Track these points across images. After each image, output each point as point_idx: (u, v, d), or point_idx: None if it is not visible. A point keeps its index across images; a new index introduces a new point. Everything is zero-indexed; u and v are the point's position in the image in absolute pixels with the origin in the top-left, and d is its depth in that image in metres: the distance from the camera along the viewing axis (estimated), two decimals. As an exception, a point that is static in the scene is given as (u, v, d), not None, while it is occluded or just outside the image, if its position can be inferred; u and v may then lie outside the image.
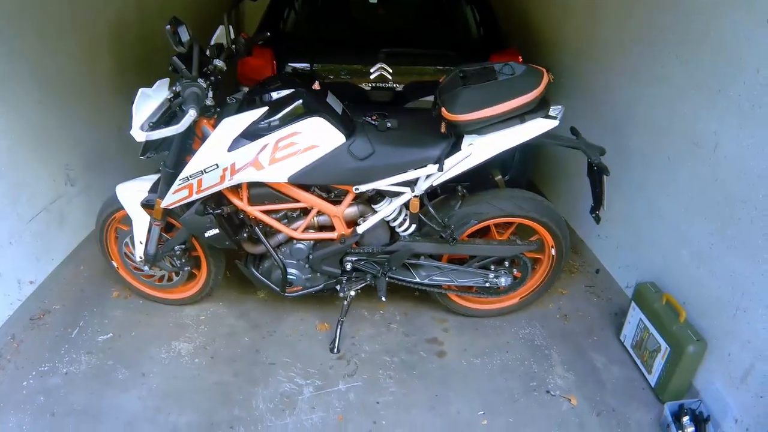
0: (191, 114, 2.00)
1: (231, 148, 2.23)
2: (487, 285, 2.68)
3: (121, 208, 2.68)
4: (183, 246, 2.72)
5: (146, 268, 2.79)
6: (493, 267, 2.68)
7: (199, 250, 2.79)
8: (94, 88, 3.47)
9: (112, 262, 2.94)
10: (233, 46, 2.44)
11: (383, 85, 3.43)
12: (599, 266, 3.31)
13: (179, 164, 2.37)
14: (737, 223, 2.24)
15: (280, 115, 2.23)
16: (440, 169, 2.25)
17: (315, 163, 2.28)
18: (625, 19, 2.98)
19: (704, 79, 2.38)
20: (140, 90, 2.26)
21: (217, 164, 2.24)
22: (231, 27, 2.46)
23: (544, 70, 2.20)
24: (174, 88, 2.19)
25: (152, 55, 4.30)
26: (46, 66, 2.98)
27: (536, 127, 2.23)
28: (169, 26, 2.06)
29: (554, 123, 2.26)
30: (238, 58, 2.51)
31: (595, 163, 2.35)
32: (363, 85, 3.44)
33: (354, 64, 3.49)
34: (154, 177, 2.67)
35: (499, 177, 2.65)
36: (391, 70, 3.39)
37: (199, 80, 2.15)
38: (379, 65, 3.40)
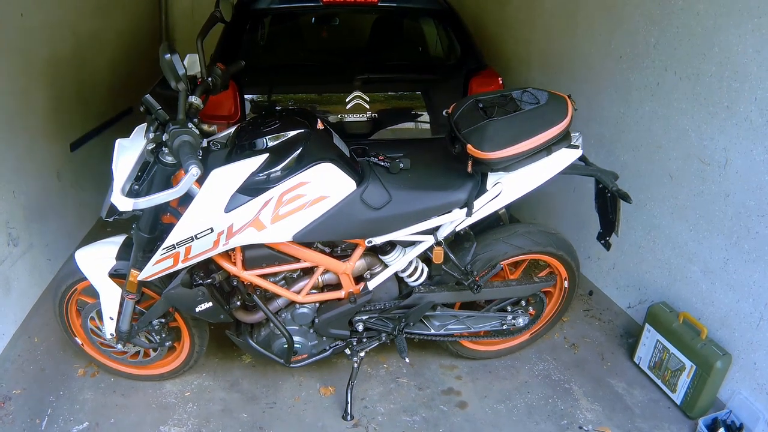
0: (193, 173, 1.61)
1: (228, 208, 1.90)
2: (504, 327, 2.52)
3: (84, 278, 2.28)
4: (162, 320, 2.38)
5: (119, 346, 2.41)
6: (509, 308, 2.52)
7: (179, 321, 2.44)
8: (28, 130, 3.02)
9: (76, 338, 2.54)
10: (209, 78, 2.11)
11: (359, 116, 3.20)
12: (592, 288, 3.25)
13: (155, 227, 2.02)
14: (755, 236, 2.23)
15: (284, 163, 1.92)
16: (469, 214, 2.06)
17: (324, 217, 1.99)
18: (610, 35, 2.93)
19: (708, 95, 2.36)
20: (117, 142, 1.86)
21: (211, 228, 1.91)
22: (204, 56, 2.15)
23: (567, 97, 2.07)
24: (149, 135, 1.84)
25: (89, 90, 3.88)
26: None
27: (563, 159, 2.10)
28: (168, 55, 1.69)
29: (578, 152, 2.13)
30: (215, 92, 2.17)
31: (614, 191, 2.23)
32: (338, 116, 3.19)
33: (323, 93, 3.23)
34: (118, 239, 2.30)
35: (503, 211, 2.49)
36: (368, 99, 3.16)
37: (190, 125, 1.79)
38: (355, 93, 3.16)
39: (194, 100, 1.97)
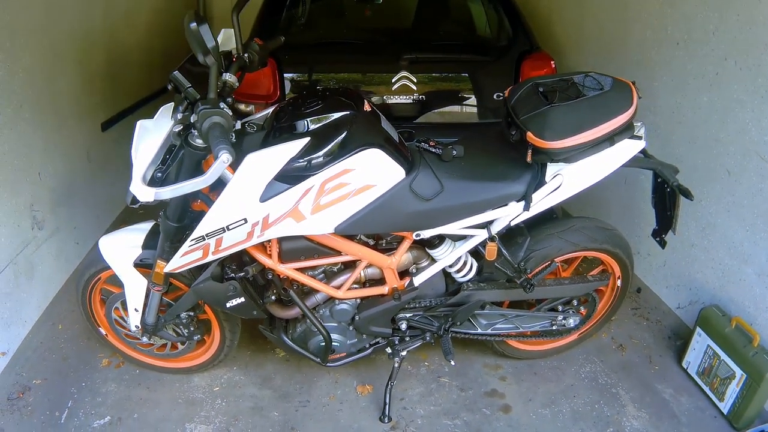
0: (224, 159, 1.41)
1: (264, 197, 1.74)
2: (554, 328, 2.38)
3: (108, 267, 2.16)
4: (190, 313, 2.25)
5: (144, 338, 2.30)
6: (560, 307, 2.38)
7: (209, 313, 2.32)
8: (56, 109, 2.90)
9: (100, 329, 2.43)
10: (245, 54, 1.94)
11: (405, 97, 3.05)
12: (640, 285, 3.10)
13: (184, 215, 1.88)
14: (816, 240, 2.08)
15: (327, 149, 1.76)
16: (526, 208, 1.92)
17: (369, 208, 1.84)
18: (665, 21, 2.77)
19: (771, 89, 2.19)
20: (138, 123, 1.69)
21: (245, 219, 1.75)
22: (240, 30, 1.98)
23: (631, 84, 1.92)
24: (176, 116, 1.66)
25: (121, 70, 3.79)
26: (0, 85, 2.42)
27: (626, 151, 1.95)
28: (194, 24, 1.50)
29: (642, 144, 1.98)
30: (251, 70, 2.00)
31: (674, 186, 2.08)
32: (383, 97, 3.05)
33: (368, 73, 3.09)
34: (145, 226, 2.17)
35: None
36: (415, 80, 3.01)
37: (222, 105, 1.62)
38: (401, 74, 3.01)
39: (229, 77, 1.81)
